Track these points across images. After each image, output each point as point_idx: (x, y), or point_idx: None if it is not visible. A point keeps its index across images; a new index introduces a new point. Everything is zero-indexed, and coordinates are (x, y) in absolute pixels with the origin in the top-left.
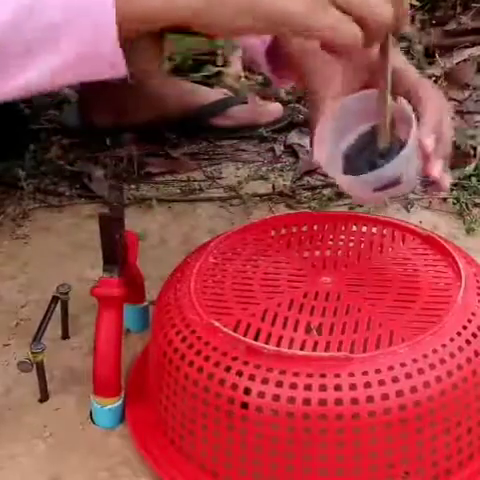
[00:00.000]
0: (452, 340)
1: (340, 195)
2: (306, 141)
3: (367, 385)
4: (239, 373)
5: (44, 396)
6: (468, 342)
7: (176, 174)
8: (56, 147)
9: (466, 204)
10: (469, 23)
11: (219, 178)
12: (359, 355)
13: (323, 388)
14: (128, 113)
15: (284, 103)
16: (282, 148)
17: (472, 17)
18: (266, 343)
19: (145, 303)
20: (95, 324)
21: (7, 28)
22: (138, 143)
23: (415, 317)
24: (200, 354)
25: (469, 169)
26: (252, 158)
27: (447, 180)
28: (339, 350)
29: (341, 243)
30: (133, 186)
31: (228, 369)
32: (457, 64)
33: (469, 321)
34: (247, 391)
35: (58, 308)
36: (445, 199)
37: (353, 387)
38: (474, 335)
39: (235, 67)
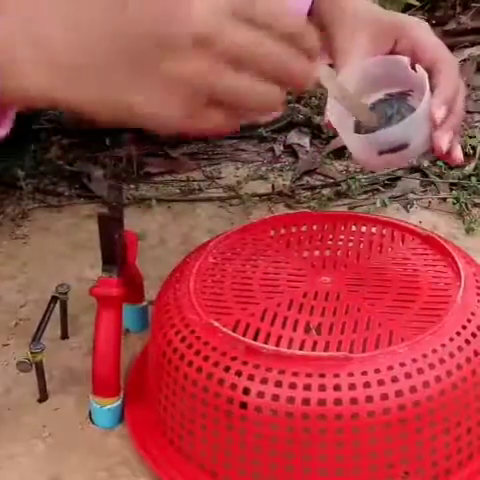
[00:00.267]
0: (452, 340)
1: (340, 195)
2: (306, 141)
3: (366, 385)
4: (238, 373)
5: (43, 396)
6: (468, 342)
7: (175, 174)
8: (55, 147)
9: (466, 204)
10: (469, 23)
11: (218, 178)
12: (358, 355)
13: (322, 388)
14: None
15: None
16: (282, 148)
17: (472, 17)
18: (265, 343)
19: (144, 303)
20: (94, 324)
21: None
22: (137, 143)
23: (414, 317)
24: (199, 354)
25: (469, 169)
26: (251, 158)
27: (459, 151)
28: (338, 350)
29: (340, 243)
30: (132, 186)
31: (227, 369)
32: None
33: (469, 321)
34: (246, 391)
35: (57, 308)
36: (445, 199)
37: (352, 387)
38: (474, 335)
39: None
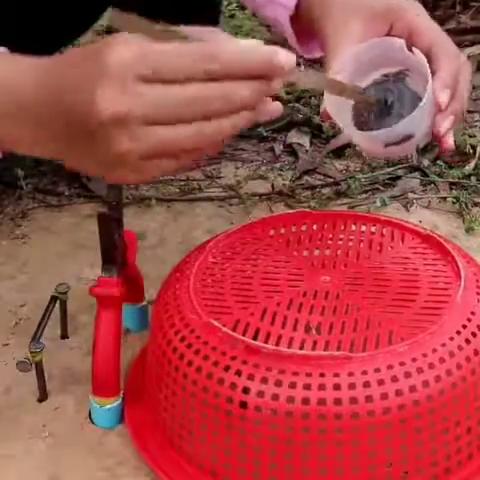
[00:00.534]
0: (452, 339)
1: (339, 194)
2: (306, 140)
3: (366, 384)
4: (238, 372)
5: (43, 396)
6: (467, 341)
7: (175, 173)
8: None
9: (466, 203)
10: (468, 22)
11: (218, 177)
12: (358, 354)
13: (322, 387)
14: None
15: (284, 102)
16: (281, 147)
17: (471, 16)
18: (265, 342)
19: (144, 303)
20: (94, 324)
21: None
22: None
23: (414, 316)
24: (199, 353)
25: (469, 168)
26: (251, 157)
27: (451, 139)
28: (338, 349)
29: (340, 242)
30: (132, 185)
31: (227, 368)
32: None
33: (468, 320)
34: (246, 390)
35: (57, 308)
36: (445, 198)
37: (352, 386)
38: (474, 334)
39: None
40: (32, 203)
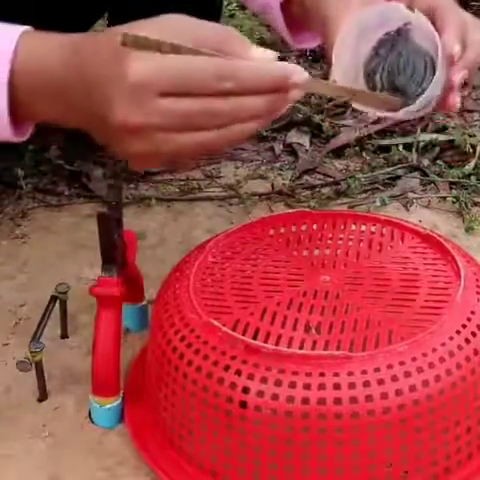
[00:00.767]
0: (451, 339)
1: (339, 194)
2: (305, 140)
3: (366, 384)
4: (238, 372)
5: (43, 395)
6: (467, 341)
7: (175, 173)
8: (55, 147)
9: (465, 203)
10: None
11: (218, 177)
12: (358, 354)
13: (322, 387)
14: None
15: None
16: (281, 147)
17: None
18: (265, 342)
19: (144, 302)
20: (94, 323)
21: None
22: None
23: (414, 316)
24: (199, 353)
25: (468, 168)
26: (251, 157)
27: (457, 96)
28: (338, 349)
29: (340, 242)
30: (132, 185)
31: (227, 368)
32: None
33: (468, 320)
34: (246, 390)
35: (57, 307)
36: (444, 198)
37: (352, 386)
38: (473, 334)
39: None
40: (32, 203)
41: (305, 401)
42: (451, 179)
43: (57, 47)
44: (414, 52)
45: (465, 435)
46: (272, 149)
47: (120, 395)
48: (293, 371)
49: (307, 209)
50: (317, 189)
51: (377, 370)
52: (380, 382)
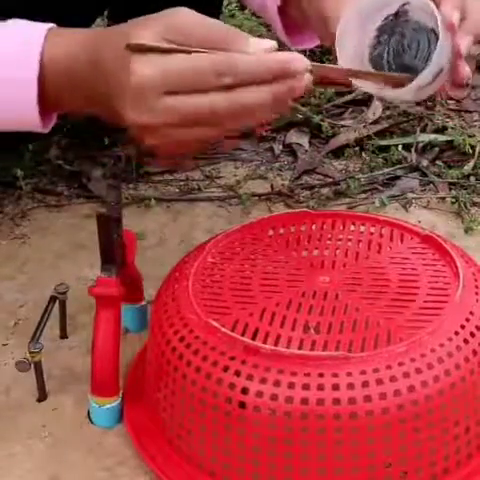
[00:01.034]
0: (450, 339)
1: (339, 194)
2: (305, 140)
3: (365, 384)
4: (237, 373)
5: (42, 396)
6: (466, 341)
7: (174, 173)
8: (54, 147)
9: (465, 203)
10: None
11: (218, 177)
12: (357, 354)
13: (321, 387)
14: None
15: None
16: (281, 147)
17: None
18: (264, 342)
19: (143, 303)
20: (93, 324)
21: None
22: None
23: (413, 316)
24: (198, 354)
25: (468, 168)
26: (251, 157)
27: (467, 66)
28: (337, 349)
29: (339, 242)
30: (131, 186)
31: (226, 369)
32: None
33: (467, 320)
34: (245, 391)
35: (56, 308)
36: (444, 198)
37: (351, 386)
38: (472, 334)
39: None
40: (31, 203)
41: (304, 401)
42: (450, 179)
43: (81, 43)
44: (416, 30)
45: (464, 435)
46: (271, 149)
47: (119, 395)
48: (292, 372)
49: (306, 209)
50: (316, 189)
51: (376, 370)
52: (379, 382)
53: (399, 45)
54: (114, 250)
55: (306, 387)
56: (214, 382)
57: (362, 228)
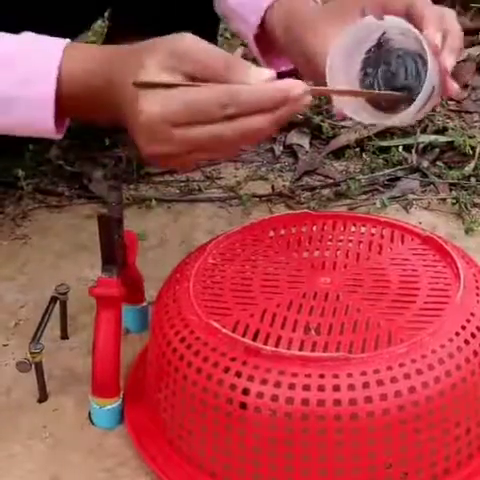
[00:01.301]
0: (451, 340)
1: (339, 195)
2: (305, 141)
3: (366, 385)
4: (238, 374)
5: (43, 396)
6: (467, 342)
7: (175, 174)
8: (55, 147)
9: (465, 204)
10: (468, 23)
11: (218, 178)
12: (358, 355)
13: (321, 388)
14: None
15: None
16: (281, 148)
17: (471, 17)
18: (265, 344)
19: (144, 303)
20: (94, 324)
21: None
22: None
23: (414, 317)
24: (199, 355)
25: (468, 169)
26: (251, 158)
27: (454, 83)
28: (338, 350)
29: (340, 243)
30: (132, 186)
31: (227, 370)
32: (456, 64)
33: (468, 321)
34: (246, 391)
35: (57, 308)
36: (444, 199)
37: (351, 387)
38: (473, 335)
39: None
40: (32, 203)
41: (305, 402)
42: (451, 180)
43: (98, 59)
44: (401, 56)
45: (465, 436)
46: (272, 150)
47: (120, 396)
48: (293, 372)
49: (307, 210)
50: (317, 190)
51: (376, 372)
52: (380, 383)
53: (387, 73)
54: (115, 251)
55: (307, 388)
56: (215, 383)
57: (363, 229)
